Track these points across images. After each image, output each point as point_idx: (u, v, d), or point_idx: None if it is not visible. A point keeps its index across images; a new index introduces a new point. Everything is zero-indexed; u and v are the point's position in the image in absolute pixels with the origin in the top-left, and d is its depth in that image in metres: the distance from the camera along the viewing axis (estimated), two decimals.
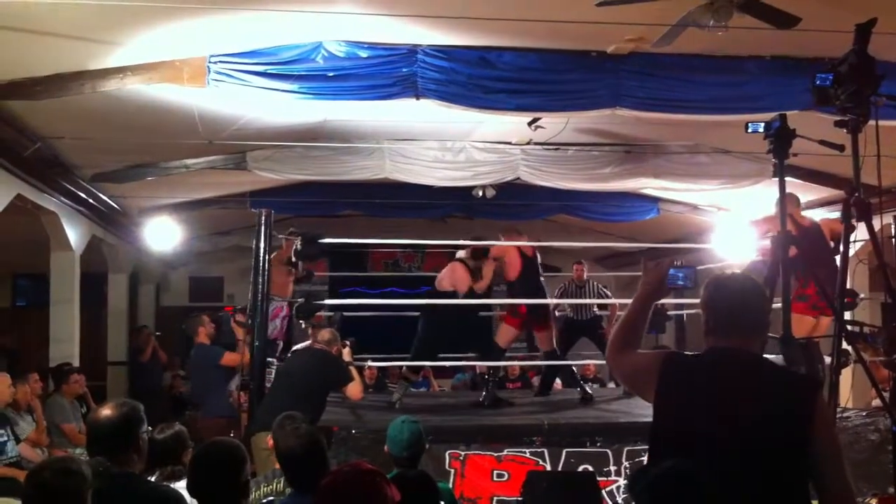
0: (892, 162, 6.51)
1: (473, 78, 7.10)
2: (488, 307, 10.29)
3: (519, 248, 8.70)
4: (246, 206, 11.70)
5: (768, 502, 2.73)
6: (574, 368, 9.79)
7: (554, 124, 8.84)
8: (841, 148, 4.89)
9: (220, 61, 6.78)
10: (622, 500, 6.60)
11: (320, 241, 7.87)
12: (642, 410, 3.26)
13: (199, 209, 12.46)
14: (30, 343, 13.27)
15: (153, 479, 4.41)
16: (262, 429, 6.43)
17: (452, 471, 6.71)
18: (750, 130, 5.04)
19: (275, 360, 8.21)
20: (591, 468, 6.67)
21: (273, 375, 7.63)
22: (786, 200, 5.21)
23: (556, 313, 9.57)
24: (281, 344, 8.86)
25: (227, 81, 6.80)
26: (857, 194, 4.78)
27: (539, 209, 12.66)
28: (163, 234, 11.68)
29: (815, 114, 6.32)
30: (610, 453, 6.82)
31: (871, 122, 4.68)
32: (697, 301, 3.12)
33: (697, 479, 2.48)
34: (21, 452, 7.72)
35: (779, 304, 5.08)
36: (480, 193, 11.10)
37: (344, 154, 9.74)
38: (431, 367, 12.57)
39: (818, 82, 4.76)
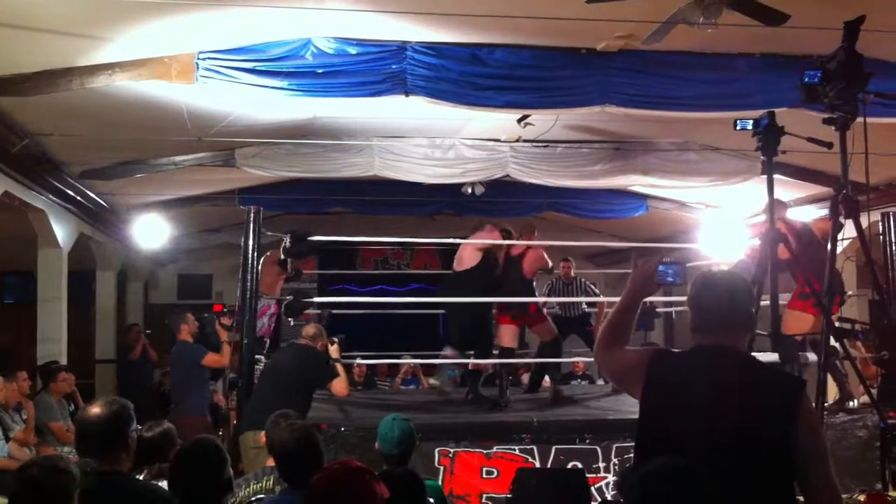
0: (880, 159, 6.57)
1: (463, 75, 7.10)
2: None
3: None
4: (235, 204, 11.68)
5: (754, 500, 2.73)
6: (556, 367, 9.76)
7: (543, 121, 8.84)
8: (829, 145, 4.92)
9: (209, 58, 6.76)
10: (611, 496, 6.61)
11: (309, 238, 7.86)
12: (631, 407, 3.27)
13: (187, 206, 12.43)
14: (17, 341, 13.20)
15: (140, 476, 4.40)
16: (250, 427, 6.43)
17: (442, 468, 6.72)
18: (739, 128, 5.07)
19: (262, 358, 8.17)
20: (580, 465, 6.69)
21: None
22: (774, 197, 5.24)
23: (545, 311, 9.56)
24: (268, 342, 8.81)
25: (216, 78, 6.78)
26: (845, 191, 4.80)
27: (528, 206, 12.65)
28: (151, 232, 11.65)
29: (804, 111, 6.34)
30: (599, 450, 6.83)
31: (860, 120, 4.70)
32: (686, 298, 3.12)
33: (690, 476, 2.48)
34: (11, 452, 7.70)
35: (767, 302, 5.12)
36: (470, 191, 11.09)
37: (333, 151, 9.73)
38: (421, 364, 12.60)
39: (807, 80, 4.78)
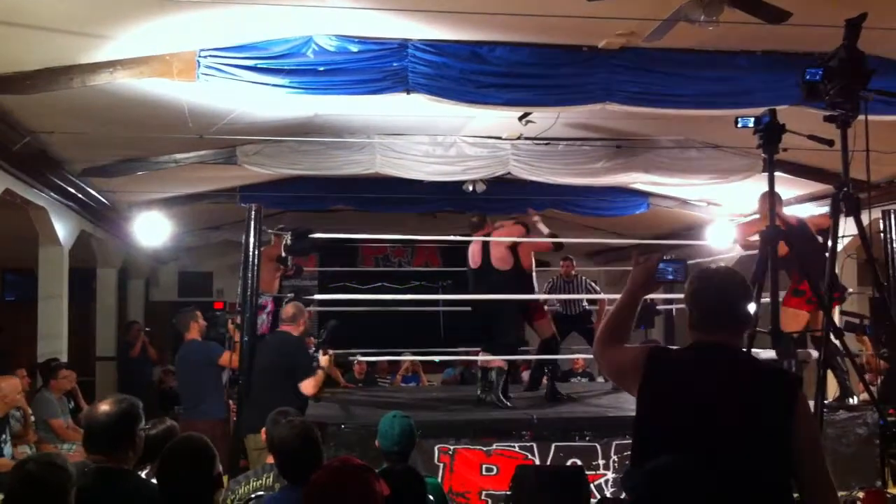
0: (881, 157, 6.57)
1: (464, 72, 7.10)
2: None
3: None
4: (236, 201, 11.68)
5: (750, 496, 2.72)
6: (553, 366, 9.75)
7: (544, 119, 8.84)
8: (830, 143, 4.91)
9: (210, 55, 6.76)
10: (611, 493, 6.62)
11: (310, 235, 7.86)
12: (631, 405, 3.27)
13: (188, 204, 12.44)
14: (18, 338, 13.21)
15: (143, 474, 4.40)
16: (248, 430, 6.42)
17: (442, 465, 6.72)
18: (740, 125, 5.06)
19: None
20: (579, 462, 6.69)
21: None
22: (773, 195, 5.23)
23: (546, 308, 9.56)
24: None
25: (217, 76, 6.78)
26: (846, 189, 4.80)
27: (529, 204, 12.57)
28: (152, 229, 11.65)
29: (805, 109, 6.34)
30: (599, 447, 6.84)
31: (861, 117, 4.69)
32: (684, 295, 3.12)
33: (695, 473, 2.48)
34: (13, 452, 7.71)
35: (768, 299, 5.11)
36: (471, 188, 11.10)
37: (334, 149, 9.73)
38: (421, 361, 12.61)
39: (808, 77, 4.78)
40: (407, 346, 12.28)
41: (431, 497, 4.64)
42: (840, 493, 4.00)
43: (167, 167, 10.00)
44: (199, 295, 15.55)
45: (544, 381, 9.85)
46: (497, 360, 8.11)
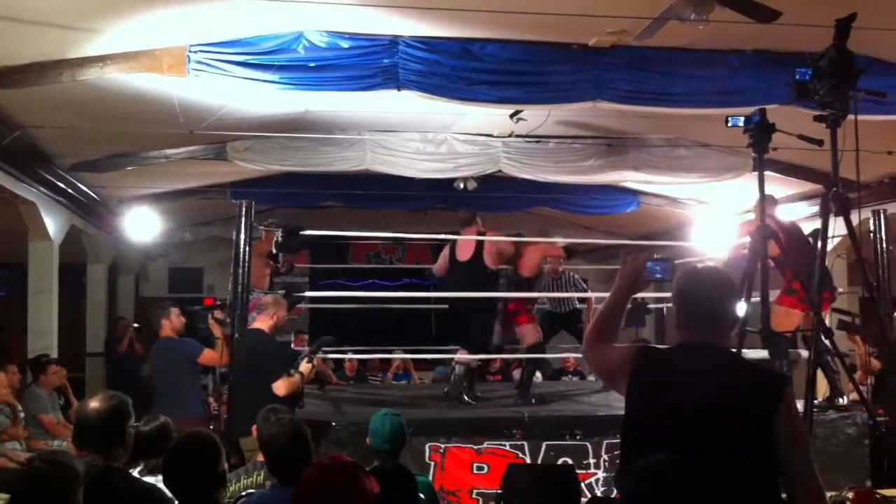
0: (870, 157, 6.58)
1: (455, 69, 7.09)
2: None
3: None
4: (226, 197, 11.64)
5: (737, 496, 2.73)
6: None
7: (535, 117, 8.84)
8: (820, 143, 4.93)
9: (201, 51, 6.74)
10: (601, 492, 6.62)
11: (301, 232, 7.84)
12: (621, 403, 3.27)
13: (179, 199, 12.39)
14: (8, 334, 13.17)
15: (137, 470, 4.39)
16: (242, 432, 6.37)
17: (432, 463, 6.72)
18: (730, 124, 5.08)
19: None
20: (570, 461, 6.71)
21: None
22: (765, 194, 5.25)
23: (535, 306, 9.58)
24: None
25: (208, 71, 6.76)
26: (835, 189, 4.81)
27: (520, 202, 12.68)
28: (142, 225, 11.61)
29: (795, 108, 6.35)
30: (589, 446, 6.86)
31: (851, 117, 4.71)
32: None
33: (688, 472, 2.48)
34: (4, 449, 7.69)
35: (758, 299, 5.13)
36: (462, 186, 11.08)
37: (325, 145, 9.71)
38: (412, 359, 12.61)
39: (798, 77, 4.79)
40: (398, 343, 12.28)
41: (422, 495, 4.65)
42: (829, 493, 4.02)
43: (157, 162, 9.97)
44: (190, 291, 15.50)
45: (535, 378, 9.87)
46: (466, 357, 8.20)
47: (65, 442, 8.28)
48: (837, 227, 4.97)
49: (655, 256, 3.21)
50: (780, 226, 7.24)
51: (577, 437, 6.88)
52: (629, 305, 3.44)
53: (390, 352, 12.24)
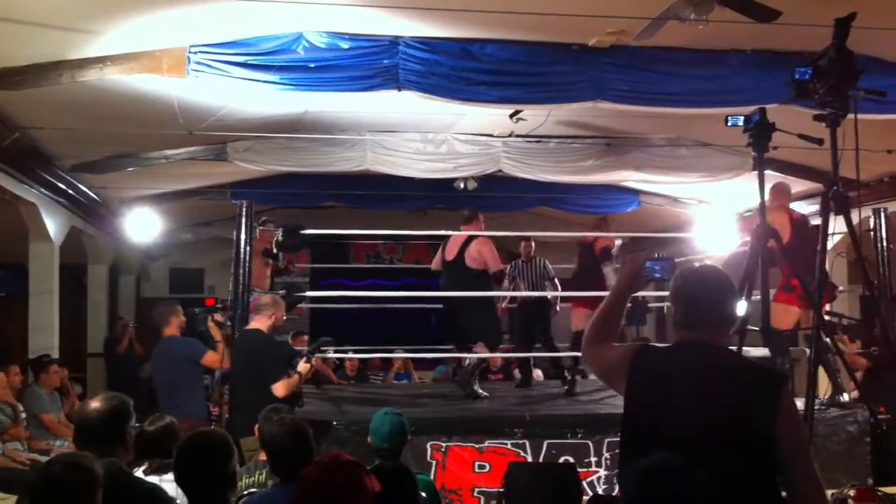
0: (870, 156, 6.59)
1: (455, 70, 7.09)
2: None
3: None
4: (227, 198, 11.65)
5: (736, 496, 2.72)
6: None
7: (535, 117, 8.84)
8: (820, 142, 4.93)
9: (201, 52, 6.74)
10: (603, 491, 6.63)
11: (301, 232, 7.85)
12: (622, 402, 3.28)
13: (179, 200, 12.40)
14: (9, 335, 13.18)
15: (142, 470, 4.40)
16: (243, 432, 6.37)
17: (434, 462, 6.72)
18: (730, 124, 5.08)
19: None
20: (571, 459, 6.71)
21: None
22: (768, 192, 5.25)
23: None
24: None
25: (208, 72, 6.76)
26: (835, 188, 4.82)
27: (521, 201, 12.67)
28: (143, 226, 11.62)
29: (795, 108, 6.36)
30: (591, 444, 6.86)
31: (850, 116, 4.71)
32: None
33: (689, 471, 2.48)
34: (4, 449, 7.69)
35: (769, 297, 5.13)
36: (462, 185, 11.08)
37: (325, 145, 9.71)
38: (412, 358, 12.60)
39: (797, 76, 4.80)
40: (398, 342, 12.28)
41: (424, 494, 4.65)
42: (831, 491, 4.03)
43: (158, 163, 9.97)
44: (191, 291, 15.51)
45: (536, 376, 9.88)
46: (486, 354, 8.25)
47: (66, 441, 8.29)
48: (837, 225, 4.98)
49: (654, 256, 3.21)
50: (791, 218, 7.27)
51: (579, 436, 6.88)
52: (629, 304, 3.45)
53: (391, 351, 12.24)
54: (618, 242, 9.54)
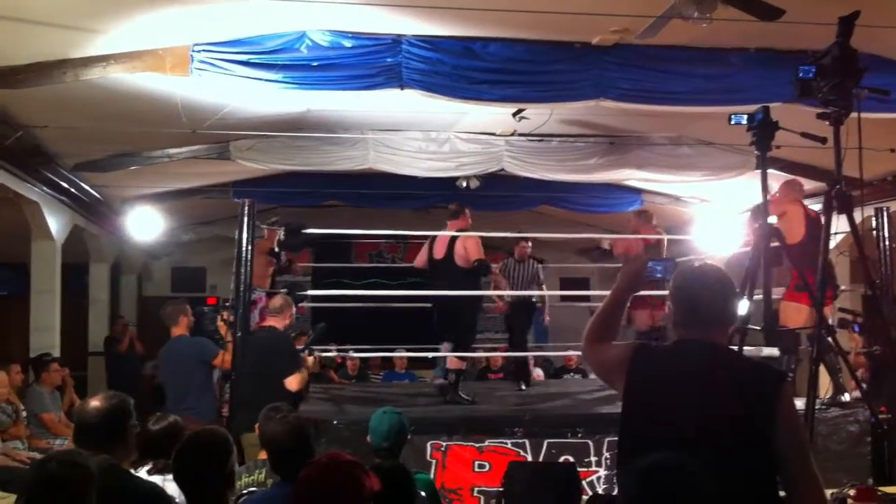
0: (873, 154, 6.57)
1: (458, 68, 7.09)
2: None
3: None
4: (229, 196, 11.65)
5: (735, 495, 2.69)
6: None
7: (538, 115, 8.84)
8: (823, 140, 4.92)
9: (204, 50, 6.75)
10: (603, 490, 6.62)
11: (304, 231, 7.84)
12: (621, 401, 3.29)
13: (181, 199, 12.41)
14: (10, 333, 13.19)
15: (146, 470, 4.39)
16: (243, 429, 6.40)
17: (434, 461, 6.72)
18: (733, 122, 5.07)
19: None
20: (571, 459, 6.70)
21: None
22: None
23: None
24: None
25: (211, 71, 6.76)
26: (838, 186, 4.81)
27: (523, 200, 12.68)
28: (145, 224, 11.62)
29: (798, 106, 6.35)
30: (591, 444, 6.85)
31: (854, 115, 4.70)
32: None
33: (689, 471, 2.47)
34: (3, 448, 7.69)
35: (772, 296, 5.12)
36: (465, 184, 11.08)
37: (328, 144, 9.71)
38: (415, 357, 12.58)
39: (801, 75, 4.79)
40: (400, 342, 12.26)
41: (423, 493, 4.64)
42: (831, 491, 4.01)
43: (160, 162, 9.97)
44: (193, 290, 15.51)
45: (535, 377, 9.85)
46: (456, 360, 8.18)
47: (67, 440, 8.29)
48: (840, 224, 4.97)
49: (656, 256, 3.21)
50: (805, 213, 7.26)
51: (579, 435, 6.88)
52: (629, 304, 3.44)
53: (392, 350, 12.22)
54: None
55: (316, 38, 6.84)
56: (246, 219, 7.26)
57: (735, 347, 4.35)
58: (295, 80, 6.91)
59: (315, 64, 6.88)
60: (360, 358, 11.87)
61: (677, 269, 3.12)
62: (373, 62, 6.98)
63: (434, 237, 8.44)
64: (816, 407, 4.79)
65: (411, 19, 6.72)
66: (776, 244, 5.16)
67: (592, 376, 11.70)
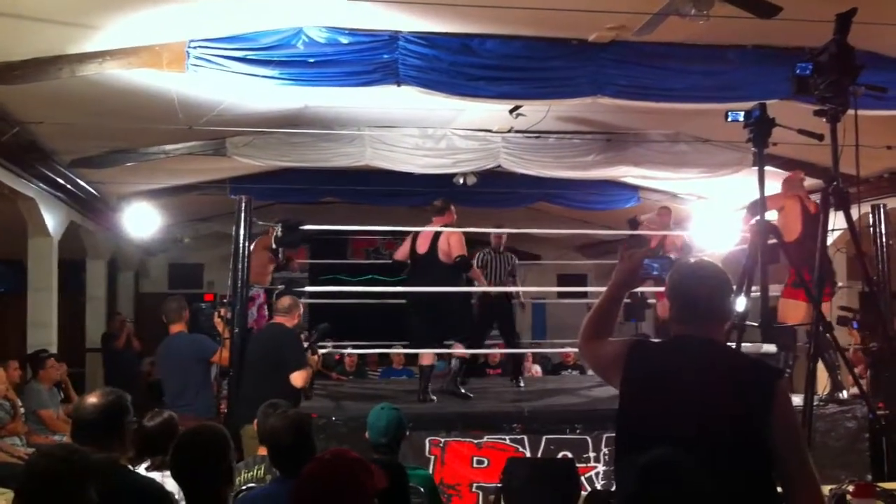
0: (870, 152, 6.59)
1: (455, 65, 7.09)
2: None
3: None
4: (226, 193, 11.64)
5: (731, 491, 2.70)
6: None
7: (535, 112, 8.84)
8: (820, 137, 4.93)
9: (200, 46, 6.74)
10: (601, 486, 6.63)
11: (301, 227, 7.84)
12: (618, 397, 3.29)
13: (178, 195, 12.40)
14: (7, 330, 13.18)
15: (144, 466, 4.38)
16: (244, 421, 6.40)
17: (433, 457, 6.73)
18: (730, 119, 5.08)
19: None
20: (570, 455, 6.71)
21: None
22: (764, 190, 5.24)
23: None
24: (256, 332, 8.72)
25: (207, 67, 6.75)
26: (835, 183, 4.81)
27: (520, 197, 12.68)
28: (142, 221, 11.61)
29: (795, 103, 6.35)
30: (589, 440, 6.86)
31: (851, 112, 4.71)
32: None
33: (686, 467, 2.48)
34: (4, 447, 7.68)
35: (769, 293, 5.13)
36: (461, 181, 11.07)
37: (324, 140, 9.71)
38: (408, 354, 12.57)
39: (798, 72, 4.79)
40: (397, 338, 12.26)
41: (422, 489, 4.65)
42: (830, 487, 4.01)
43: (156, 158, 9.97)
44: (190, 287, 15.53)
45: (533, 373, 9.84)
46: (462, 351, 8.23)
47: (65, 437, 8.28)
48: (837, 221, 4.98)
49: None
50: (803, 209, 7.26)
51: (577, 431, 6.89)
52: (627, 300, 3.45)
53: (390, 347, 12.22)
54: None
55: (312, 35, 6.83)
56: (243, 215, 7.26)
57: (732, 344, 4.35)
58: (291, 77, 6.90)
59: (311, 60, 6.87)
60: (358, 354, 11.86)
61: (675, 265, 3.13)
62: (369, 58, 6.97)
63: (417, 231, 8.38)
64: (814, 403, 4.79)
65: (408, 16, 6.72)
66: (773, 241, 5.16)
67: (590, 373, 11.73)
